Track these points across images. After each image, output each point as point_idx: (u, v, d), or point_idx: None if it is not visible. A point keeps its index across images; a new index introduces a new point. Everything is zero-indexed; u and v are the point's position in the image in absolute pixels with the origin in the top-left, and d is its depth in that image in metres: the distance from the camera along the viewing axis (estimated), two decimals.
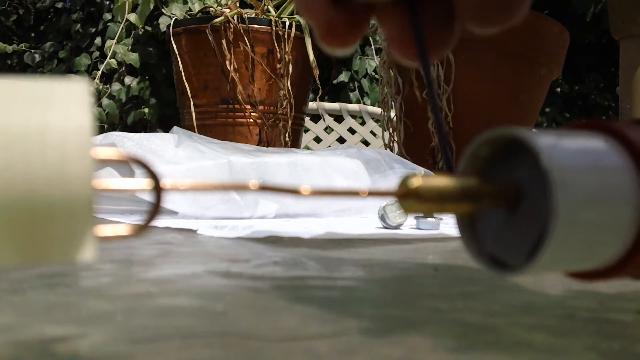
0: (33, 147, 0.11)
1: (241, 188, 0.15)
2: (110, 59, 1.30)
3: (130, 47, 2.15)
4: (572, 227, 0.15)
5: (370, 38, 2.26)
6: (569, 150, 0.16)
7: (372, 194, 0.17)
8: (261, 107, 0.95)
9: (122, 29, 2.01)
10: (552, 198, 0.15)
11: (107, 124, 2.16)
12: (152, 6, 1.22)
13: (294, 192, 0.15)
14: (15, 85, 0.11)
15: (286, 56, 0.93)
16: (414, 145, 0.90)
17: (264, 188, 0.15)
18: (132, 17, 1.41)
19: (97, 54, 2.31)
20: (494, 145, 0.17)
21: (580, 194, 0.15)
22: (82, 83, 0.12)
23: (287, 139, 0.97)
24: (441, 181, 0.16)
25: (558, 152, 0.16)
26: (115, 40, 1.43)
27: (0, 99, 0.11)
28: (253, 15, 0.96)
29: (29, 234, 0.11)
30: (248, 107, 0.95)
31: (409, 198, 0.16)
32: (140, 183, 0.13)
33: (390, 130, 0.94)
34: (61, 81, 0.12)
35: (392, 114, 0.94)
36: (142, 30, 2.12)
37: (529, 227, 0.16)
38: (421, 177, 0.16)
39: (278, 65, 0.94)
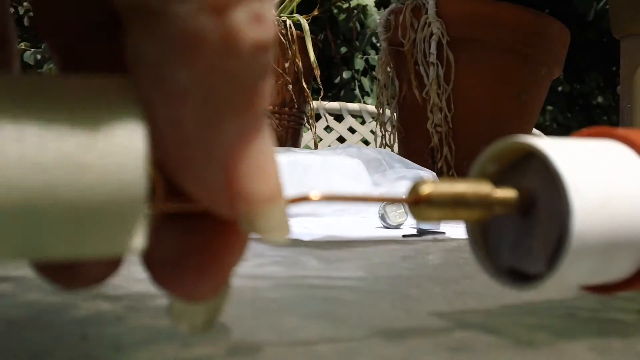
0: (84, 140, 0.11)
1: None
2: None
3: None
4: (589, 236, 0.15)
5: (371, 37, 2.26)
6: (581, 156, 0.16)
7: (382, 200, 0.17)
8: None
9: None
10: (567, 205, 0.15)
11: None
12: None
13: (303, 199, 0.15)
14: (60, 80, 0.12)
15: (295, 58, 0.93)
16: (412, 145, 0.90)
17: None
18: None
19: None
20: (502, 157, 0.17)
21: (596, 200, 0.15)
22: (124, 79, 0.12)
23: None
24: (453, 187, 0.16)
25: (570, 159, 0.15)
26: None
27: (50, 93, 0.11)
28: None
29: (80, 225, 0.11)
30: None
31: (421, 205, 0.15)
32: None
33: (385, 131, 0.94)
34: (105, 77, 0.12)
35: (389, 114, 0.94)
36: None
37: (545, 234, 0.16)
38: (433, 183, 0.16)
39: (286, 65, 0.94)
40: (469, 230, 0.18)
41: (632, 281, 0.17)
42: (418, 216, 0.16)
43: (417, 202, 0.15)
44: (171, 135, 0.12)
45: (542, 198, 0.16)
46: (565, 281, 0.16)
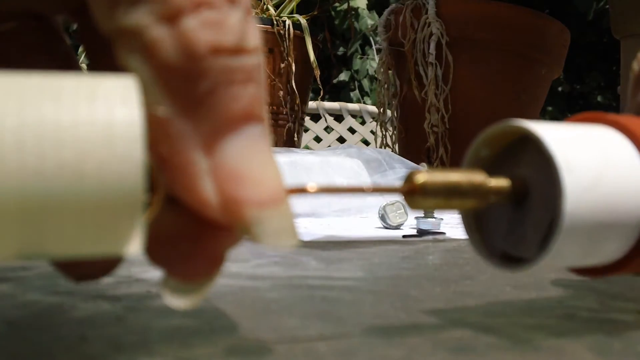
0: (82, 140, 0.11)
1: None
2: None
3: None
4: (580, 215, 0.15)
5: (370, 38, 2.26)
6: (573, 138, 0.16)
7: (377, 190, 0.17)
8: None
9: None
10: (559, 184, 0.15)
11: None
12: None
13: (300, 190, 0.15)
14: (62, 80, 0.12)
15: (289, 58, 0.93)
16: (410, 145, 0.90)
17: None
18: None
19: None
20: (496, 142, 0.17)
21: (587, 180, 0.15)
22: (130, 78, 0.12)
23: (295, 137, 0.97)
24: (447, 176, 0.16)
25: (562, 140, 0.16)
26: None
27: (50, 93, 0.11)
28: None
29: (76, 226, 0.11)
30: None
31: (415, 194, 0.16)
32: None
33: (386, 131, 0.94)
34: (108, 76, 0.12)
35: (389, 114, 0.94)
36: None
37: (538, 220, 0.16)
38: (427, 173, 0.16)
39: (282, 65, 0.94)
40: (464, 216, 0.18)
41: (621, 264, 0.17)
42: (413, 205, 0.16)
43: (412, 192, 0.16)
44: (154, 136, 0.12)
45: (535, 185, 0.16)
46: (557, 262, 0.16)
